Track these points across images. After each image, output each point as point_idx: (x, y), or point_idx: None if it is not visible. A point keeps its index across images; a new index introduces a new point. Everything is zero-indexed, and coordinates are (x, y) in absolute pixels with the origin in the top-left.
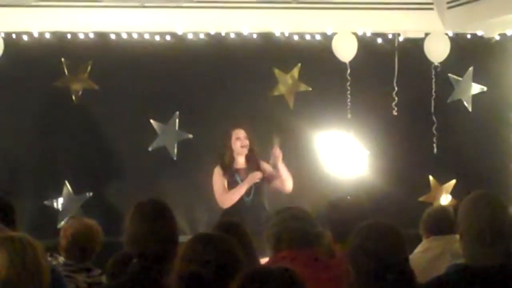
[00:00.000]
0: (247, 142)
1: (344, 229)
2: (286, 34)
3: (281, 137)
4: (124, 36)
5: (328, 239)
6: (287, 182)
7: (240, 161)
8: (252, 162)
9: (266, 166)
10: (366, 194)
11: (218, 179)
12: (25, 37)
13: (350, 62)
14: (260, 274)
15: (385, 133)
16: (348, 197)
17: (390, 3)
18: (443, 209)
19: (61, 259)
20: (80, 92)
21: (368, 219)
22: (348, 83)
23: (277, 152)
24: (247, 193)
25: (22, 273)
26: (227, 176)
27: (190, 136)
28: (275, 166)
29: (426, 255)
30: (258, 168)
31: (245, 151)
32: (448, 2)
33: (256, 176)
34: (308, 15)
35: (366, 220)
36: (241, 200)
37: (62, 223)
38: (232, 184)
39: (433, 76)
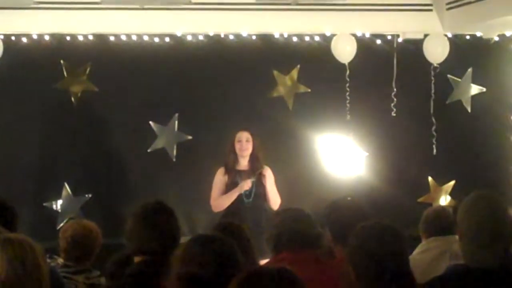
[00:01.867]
0: (248, 146)
1: (344, 230)
2: (285, 36)
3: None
4: (123, 38)
5: (328, 240)
6: (272, 202)
7: (243, 163)
8: (254, 165)
9: (267, 172)
10: (365, 195)
11: (217, 182)
12: (24, 39)
13: (349, 63)
14: (259, 275)
15: (384, 134)
16: (348, 198)
17: (389, 4)
18: (442, 209)
19: (60, 260)
20: (80, 94)
21: (368, 220)
22: (347, 85)
23: (265, 172)
24: (248, 195)
25: (22, 275)
26: (229, 177)
27: (190, 137)
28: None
29: (426, 256)
30: (257, 171)
31: (245, 154)
32: (447, 3)
33: (247, 184)
34: (307, 17)
35: (366, 221)
36: (241, 202)
37: (62, 224)
38: (232, 185)
39: (432, 77)
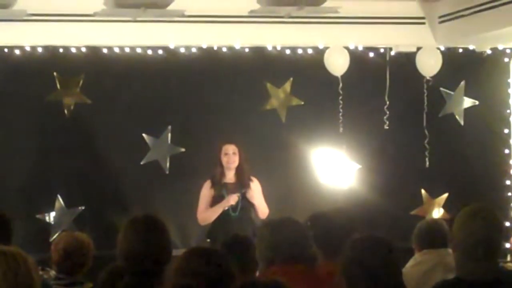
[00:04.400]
0: (235, 159)
1: (328, 244)
2: (278, 48)
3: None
4: (116, 50)
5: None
6: (260, 213)
7: (229, 175)
8: (241, 178)
9: (253, 184)
10: (358, 207)
11: (204, 195)
12: (17, 51)
13: (342, 76)
14: (253, 286)
15: (377, 147)
16: (328, 212)
17: (382, 17)
18: (435, 222)
19: (53, 273)
20: (72, 106)
21: (353, 231)
22: (340, 97)
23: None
24: (234, 208)
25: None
26: (215, 190)
27: (183, 150)
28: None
29: (419, 269)
30: (245, 185)
31: (232, 166)
32: (440, 17)
33: (231, 199)
34: (300, 29)
35: (350, 233)
36: (227, 215)
37: (54, 237)
38: (218, 198)
39: (425, 90)
